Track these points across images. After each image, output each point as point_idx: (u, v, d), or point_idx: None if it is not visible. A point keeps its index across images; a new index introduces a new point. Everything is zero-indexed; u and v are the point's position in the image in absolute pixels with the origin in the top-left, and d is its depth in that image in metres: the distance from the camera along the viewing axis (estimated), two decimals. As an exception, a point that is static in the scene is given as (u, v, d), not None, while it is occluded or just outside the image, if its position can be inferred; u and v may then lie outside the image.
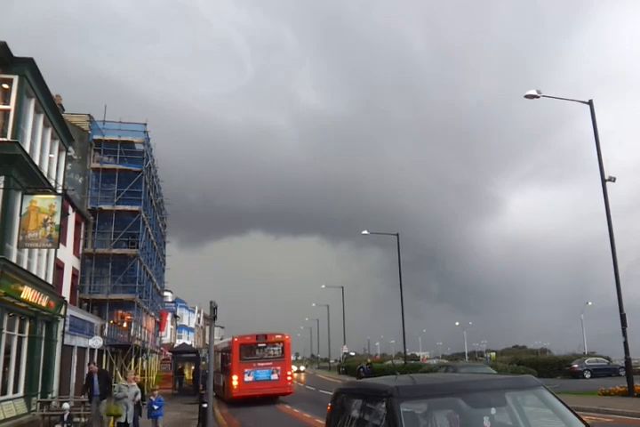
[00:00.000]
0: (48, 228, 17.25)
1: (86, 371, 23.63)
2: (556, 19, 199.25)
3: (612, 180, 19.85)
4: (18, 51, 17.04)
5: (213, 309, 12.66)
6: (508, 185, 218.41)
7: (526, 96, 20.19)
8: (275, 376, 26.78)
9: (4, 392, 17.31)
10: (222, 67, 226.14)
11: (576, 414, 4.89)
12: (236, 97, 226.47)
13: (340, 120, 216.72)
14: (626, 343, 20.00)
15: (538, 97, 20.14)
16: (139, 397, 15.46)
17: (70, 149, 25.46)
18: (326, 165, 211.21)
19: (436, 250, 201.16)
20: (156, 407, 15.57)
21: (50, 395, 20.96)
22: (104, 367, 30.40)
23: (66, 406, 16.61)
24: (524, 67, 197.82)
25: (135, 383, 15.89)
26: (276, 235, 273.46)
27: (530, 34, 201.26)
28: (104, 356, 30.98)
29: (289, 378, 27.60)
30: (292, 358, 39.15)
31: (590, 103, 20.70)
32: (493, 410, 4.87)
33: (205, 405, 14.16)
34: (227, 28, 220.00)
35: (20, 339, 18.78)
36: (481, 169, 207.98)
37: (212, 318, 13.14)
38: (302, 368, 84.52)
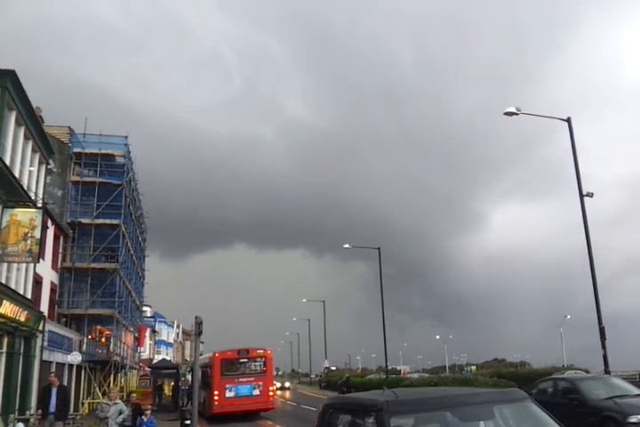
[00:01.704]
0: (28, 242, 17.08)
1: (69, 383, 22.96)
2: (540, 36, 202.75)
3: (590, 195, 20.22)
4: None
5: (198, 324, 12.58)
6: (490, 199, 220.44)
7: (506, 113, 20.51)
8: (256, 392, 26.52)
9: (-20, 410, 16.99)
10: (209, 78, 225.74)
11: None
12: (222, 108, 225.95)
13: (326, 132, 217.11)
14: (605, 356, 20.17)
15: (517, 114, 20.48)
16: (124, 416, 13.76)
17: (50, 161, 25.27)
18: (313, 177, 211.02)
19: (420, 263, 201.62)
20: None
21: (28, 412, 20.53)
22: (82, 383, 29.97)
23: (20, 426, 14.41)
24: (508, 82, 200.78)
25: (119, 401, 14.25)
26: (260, 247, 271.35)
27: (514, 50, 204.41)
28: (82, 372, 30.52)
29: (271, 393, 27.36)
30: (273, 373, 38.80)
31: (568, 120, 21.11)
32: (482, 424, 4.94)
33: (188, 422, 13.99)
34: (215, 40, 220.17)
35: (-2, 355, 18.47)
36: (465, 183, 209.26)
37: (196, 334, 13.04)
38: (287, 384, 73.61)
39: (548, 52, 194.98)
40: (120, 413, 13.54)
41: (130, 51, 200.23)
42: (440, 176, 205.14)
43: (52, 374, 17.03)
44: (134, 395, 15.80)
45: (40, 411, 15.66)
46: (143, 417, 14.03)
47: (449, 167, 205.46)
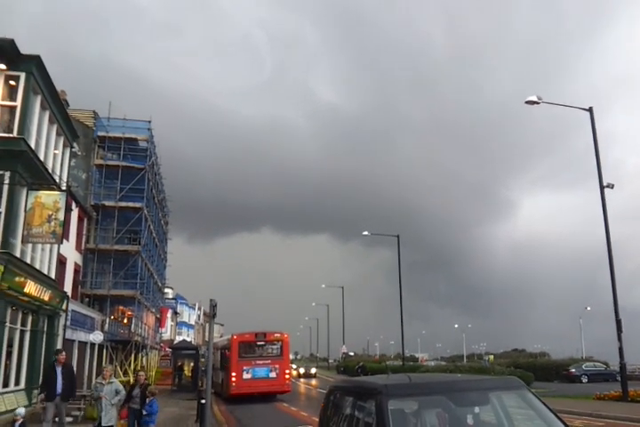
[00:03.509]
0: (52, 223, 17.48)
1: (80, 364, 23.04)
2: (579, 20, 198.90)
3: (611, 186, 20.05)
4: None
5: (213, 306, 12.86)
6: (521, 187, 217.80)
7: (527, 102, 20.32)
8: (273, 374, 27.00)
9: (6, 384, 17.55)
10: (241, 62, 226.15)
11: (557, 416, 5.08)
12: (253, 92, 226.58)
13: (356, 117, 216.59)
14: (621, 349, 20.15)
15: (538, 103, 20.29)
16: (120, 397, 12.64)
17: (74, 145, 25.69)
18: (341, 161, 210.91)
19: (447, 250, 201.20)
20: (144, 413, 12.72)
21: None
22: (103, 362, 30.66)
23: (20, 411, 12.42)
24: (546, 66, 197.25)
25: (115, 380, 13.07)
26: (286, 232, 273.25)
27: (551, 35, 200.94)
28: (104, 351, 31.24)
29: (287, 376, 27.83)
30: (292, 357, 39.17)
31: (590, 110, 20.85)
32: (477, 409, 5.08)
33: (204, 401, 14.33)
34: (247, 23, 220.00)
35: (23, 332, 19.03)
36: (496, 171, 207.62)
37: (211, 316, 13.35)
38: (313, 371, 61.55)
39: (587, 36, 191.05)
40: (116, 393, 12.58)
41: (162, 34, 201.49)
42: (471, 162, 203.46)
43: (63, 352, 15.35)
44: (142, 373, 14.51)
45: (43, 393, 14.08)
46: (146, 400, 12.86)
47: (480, 153, 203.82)
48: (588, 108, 20.95)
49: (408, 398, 5.11)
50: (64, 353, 15.51)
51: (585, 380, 37.83)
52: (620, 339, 20.05)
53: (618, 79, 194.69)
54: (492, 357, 67.13)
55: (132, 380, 27.89)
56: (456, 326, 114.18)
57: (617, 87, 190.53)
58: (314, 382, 50.15)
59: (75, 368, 25.49)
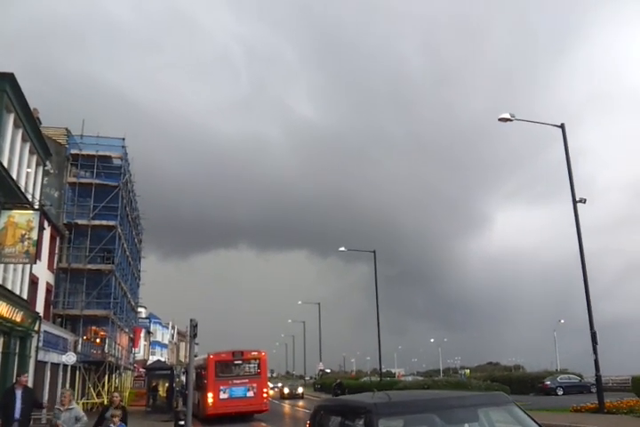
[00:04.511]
0: (25, 243, 17.19)
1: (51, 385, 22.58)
2: (550, 40, 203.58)
3: (583, 201, 20.46)
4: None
5: (193, 326, 12.70)
6: (496, 202, 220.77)
7: (500, 119, 20.77)
8: (250, 393, 26.62)
9: (-24, 410, 17.01)
10: (219, 78, 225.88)
11: (544, 430, 5.14)
12: (231, 109, 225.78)
13: (334, 134, 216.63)
14: (596, 361, 20.36)
15: (511, 120, 20.72)
16: (82, 424, 11.61)
17: (47, 163, 25.37)
18: (320, 178, 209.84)
19: (424, 265, 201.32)
20: None
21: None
22: (76, 384, 30.01)
23: None
24: (517, 85, 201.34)
25: (75, 406, 12.10)
26: (264, 248, 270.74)
27: (524, 53, 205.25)
28: (77, 372, 30.57)
29: (265, 395, 27.47)
30: (268, 374, 38.37)
31: (562, 127, 21.34)
32: (466, 426, 5.11)
33: (182, 422, 14.09)
34: (225, 40, 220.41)
35: (-6, 355, 18.58)
36: (472, 186, 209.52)
37: (191, 336, 13.18)
38: (300, 390, 52.89)
39: (557, 55, 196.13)
40: (76, 420, 11.61)
41: (141, 50, 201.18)
42: (447, 178, 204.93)
43: (25, 375, 14.34)
44: (116, 395, 13.47)
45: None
46: (111, 424, 11.56)
47: (456, 169, 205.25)
48: (560, 124, 21.46)
49: (398, 416, 5.12)
50: (26, 375, 14.91)
51: (560, 392, 38.16)
52: (595, 351, 20.27)
53: (589, 95, 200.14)
54: (468, 371, 67.35)
55: (105, 401, 27.32)
56: (432, 340, 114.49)
57: (587, 103, 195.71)
58: (301, 403, 42.73)
59: (47, 390, 25.07)
